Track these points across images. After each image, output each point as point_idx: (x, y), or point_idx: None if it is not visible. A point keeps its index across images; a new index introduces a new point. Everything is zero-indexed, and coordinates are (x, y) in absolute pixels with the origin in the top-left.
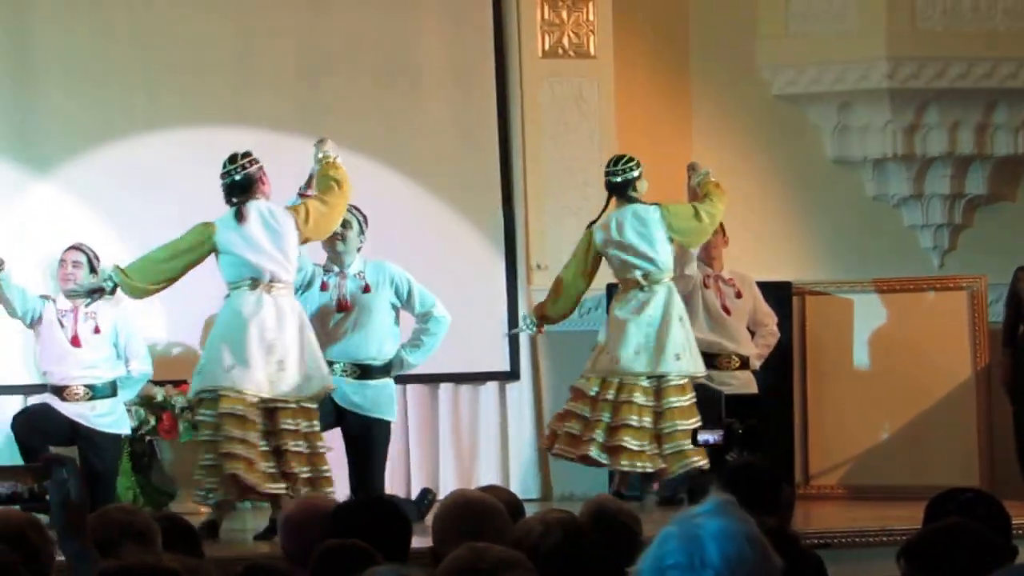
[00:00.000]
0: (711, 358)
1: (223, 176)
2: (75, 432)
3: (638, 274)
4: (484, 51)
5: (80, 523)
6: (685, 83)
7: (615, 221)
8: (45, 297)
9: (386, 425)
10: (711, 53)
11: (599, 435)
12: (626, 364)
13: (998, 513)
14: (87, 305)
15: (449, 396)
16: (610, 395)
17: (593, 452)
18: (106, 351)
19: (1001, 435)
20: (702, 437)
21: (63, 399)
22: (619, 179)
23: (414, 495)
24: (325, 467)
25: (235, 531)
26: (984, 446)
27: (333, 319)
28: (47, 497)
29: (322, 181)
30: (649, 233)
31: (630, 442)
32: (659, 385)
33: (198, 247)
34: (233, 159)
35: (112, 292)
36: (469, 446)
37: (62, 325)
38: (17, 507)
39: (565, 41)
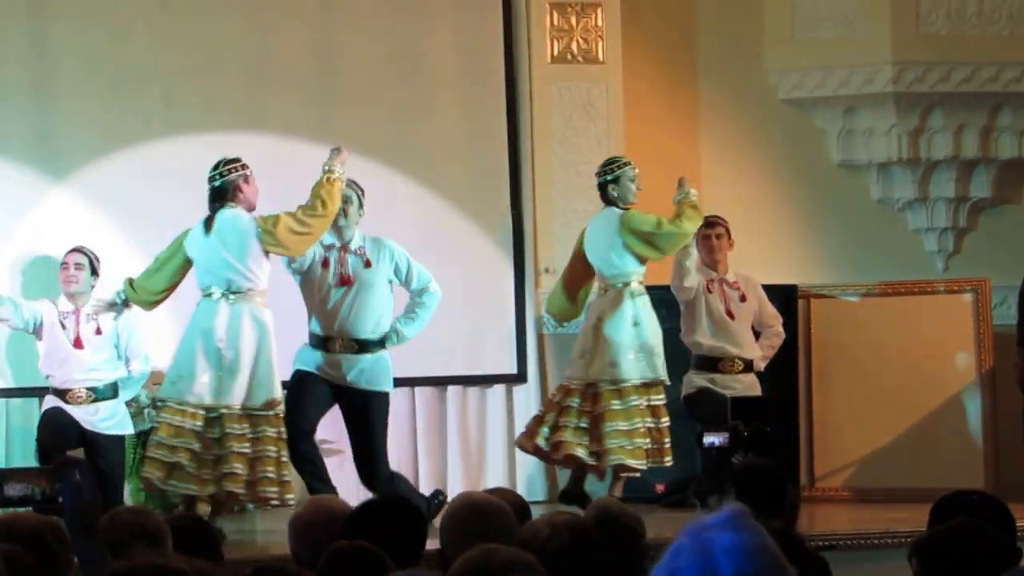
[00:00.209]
0: (715, 362)
1: (207, 182)
2: (82, 436)
3: (600, 278)
4: (494, 56)
5: (92, 525)
6: (692, 88)
7: (591, 223)
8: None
9: (385, 397)
10: (718, 58)
11: (545, 431)
12: (570, 368)
13: (1003, 516)
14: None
15: (457, 398)
16: (556, 397)
17: (540, 441)
18: (107, 353)
19: (1006, 438)
20: (707, 439)
21: (66, 402)
22: (599, 180)
23: None
24: (270, 469)
25: (244, 532)
26: (989, 449)
27: (333, 294)
28: (60, 499)
29: (312, 194)
30: (609, 238)
31: (570, 439)
32: (596, 390)
33: (175, 256)
34: (216, 165)
35: (126, 305)
36: (476, 448)
37: (64, 327)
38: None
39: (574, 47)
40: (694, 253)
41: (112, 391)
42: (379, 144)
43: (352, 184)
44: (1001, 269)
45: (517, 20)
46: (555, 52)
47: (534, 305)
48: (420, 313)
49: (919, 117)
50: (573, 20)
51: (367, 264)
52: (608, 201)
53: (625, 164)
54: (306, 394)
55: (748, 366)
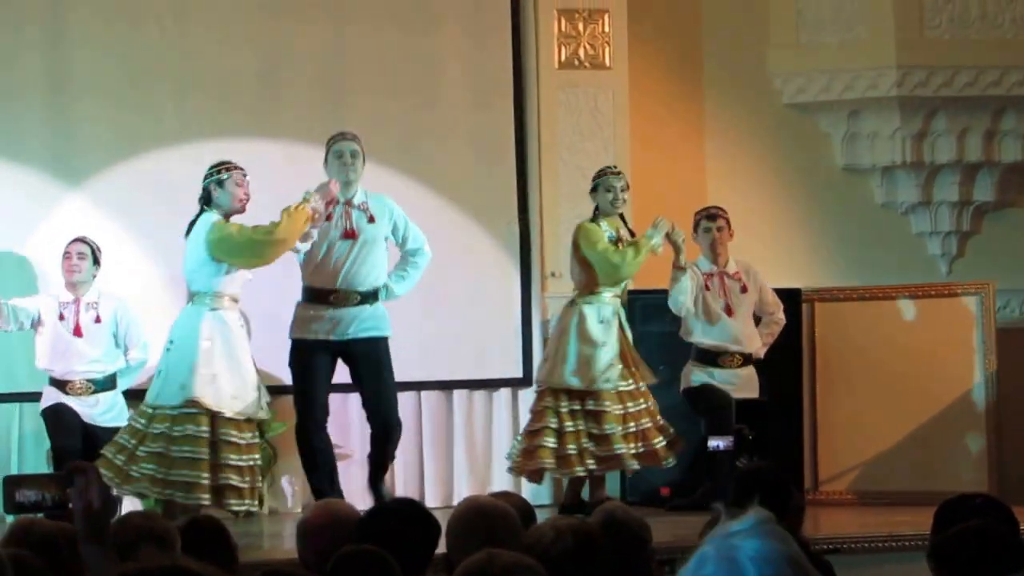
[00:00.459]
0: (714, 356)
1: None
2: (84, 429)
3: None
4: (502, 62)
5: (101, 530)
6: (698, 93)
7: None
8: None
9: (387, 342)
10: (723, 63)
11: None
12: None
13: (1007, 519)
14: None
15: (463, 402)
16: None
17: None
18: (106, 343)
19: (1010, 441)
20: (712, 443)
21: (65, 393)
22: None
23: (428, 500)
24: (234, 478)
25: (252, 536)
26: (993, 452)
27: (338, 247)
28: (70, 505)
29: (280, 214)
30: (570, 246)
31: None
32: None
33: None
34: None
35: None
36: (482, 452)
37: (63, 317)
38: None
39: (581, 53)
40: (685, 283)
41: (111, 383)
42: (388, 148)
43: (356, 141)
44: (1005, 272)
45: (525, 26)
46: (562, 58)
47: (540, 309)
48: (412, 272)
49: (923, 121)
50: (580, 26)
51: (371, 219)
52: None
53: (607, 173)
54: (313, 378)
55: (748, 359)
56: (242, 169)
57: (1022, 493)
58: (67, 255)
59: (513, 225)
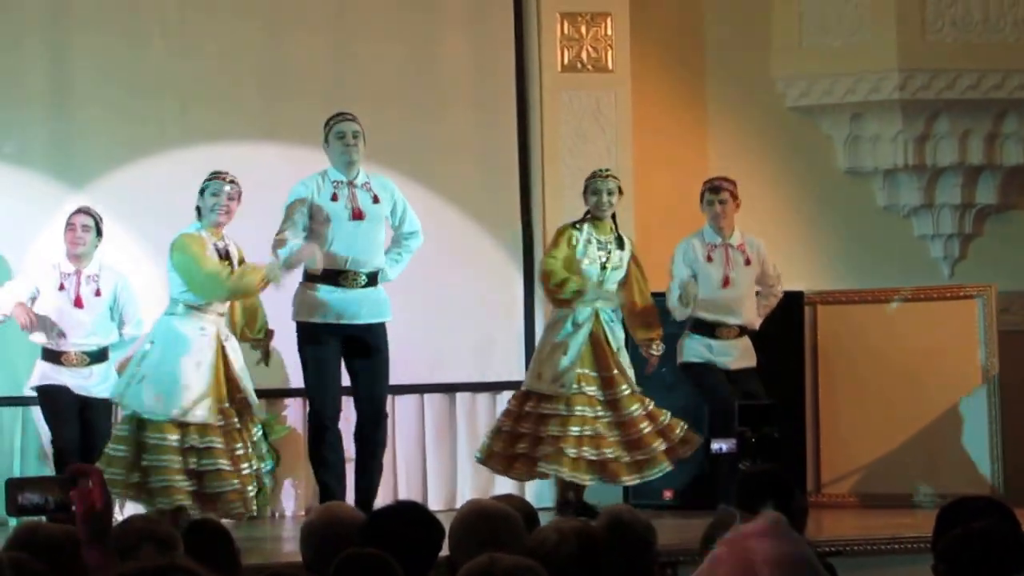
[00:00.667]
0: (712, 328)
1: None
2: (80, 403)
3: None
4: (505, 65)
5: (103, 532)
6: (700, 96)
7: None
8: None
9: (385, 327)
10: (726, 66)
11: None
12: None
13: (1009, 521)
14: None
15: (466, 405)
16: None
17: None
18: (104, 315)
19: (1013, 443)
20: (715, 446)
21: (60, 364)
22: None
23: (431, 503)
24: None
25: (255, 539)
26: (995, 455)
27: (347, 228)
28: (72, 507)
29: (244, 270)
30: None
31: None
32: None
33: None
34: None
35: None
36: None
37: (63, 287)
38: (44, 518)
39: (584, 55)
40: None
41: (104, 355)
42: (391, 151)
43: (356, 121)
44: (1007, 274)
45: (528, 29)
46: (565, 61)
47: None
48: (404, 256)
49: (925, 124)
50: (583, 29)
51: (375, 200)
52: None
53: (595, 176)
54: (325, 372)
55: (744, 330)
56: (231, 179)
57: None
58: (71, 226)
59: (516, 223)
